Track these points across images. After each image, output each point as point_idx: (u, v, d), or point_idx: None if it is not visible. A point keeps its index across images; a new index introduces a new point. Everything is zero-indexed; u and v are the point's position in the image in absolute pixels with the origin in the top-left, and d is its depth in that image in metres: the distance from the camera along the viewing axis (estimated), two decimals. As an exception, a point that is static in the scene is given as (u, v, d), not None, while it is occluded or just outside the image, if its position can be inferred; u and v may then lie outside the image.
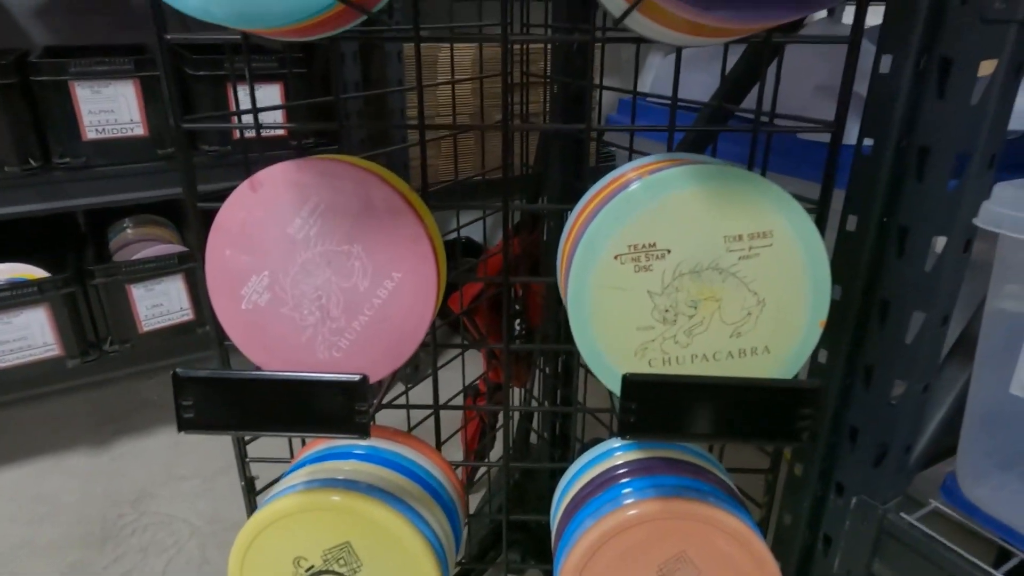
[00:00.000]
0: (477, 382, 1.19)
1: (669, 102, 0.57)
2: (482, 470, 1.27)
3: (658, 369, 0.46)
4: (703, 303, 0.45)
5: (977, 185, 0.48)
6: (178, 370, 0.40)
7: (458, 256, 1.22)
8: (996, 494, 0.57)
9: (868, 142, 0.53)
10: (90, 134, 1.19)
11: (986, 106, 0.46)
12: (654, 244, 0.43)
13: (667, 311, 0.45)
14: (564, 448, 1.11)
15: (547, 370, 1.05)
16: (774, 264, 0.43)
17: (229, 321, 0.49)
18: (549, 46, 0.90)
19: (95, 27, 1.49)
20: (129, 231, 1.48)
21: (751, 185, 0.42)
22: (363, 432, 0.40)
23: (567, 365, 1.01)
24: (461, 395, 1.12)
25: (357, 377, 0.40)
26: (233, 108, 1.24)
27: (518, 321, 1.07)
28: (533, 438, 1.19)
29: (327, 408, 0.40)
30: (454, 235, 0.97)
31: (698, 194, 0.42)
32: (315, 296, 0.47)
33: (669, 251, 0.43)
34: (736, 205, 0.42)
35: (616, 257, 0.44)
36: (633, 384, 0.42)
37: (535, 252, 1.04)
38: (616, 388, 0.47)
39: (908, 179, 0.51)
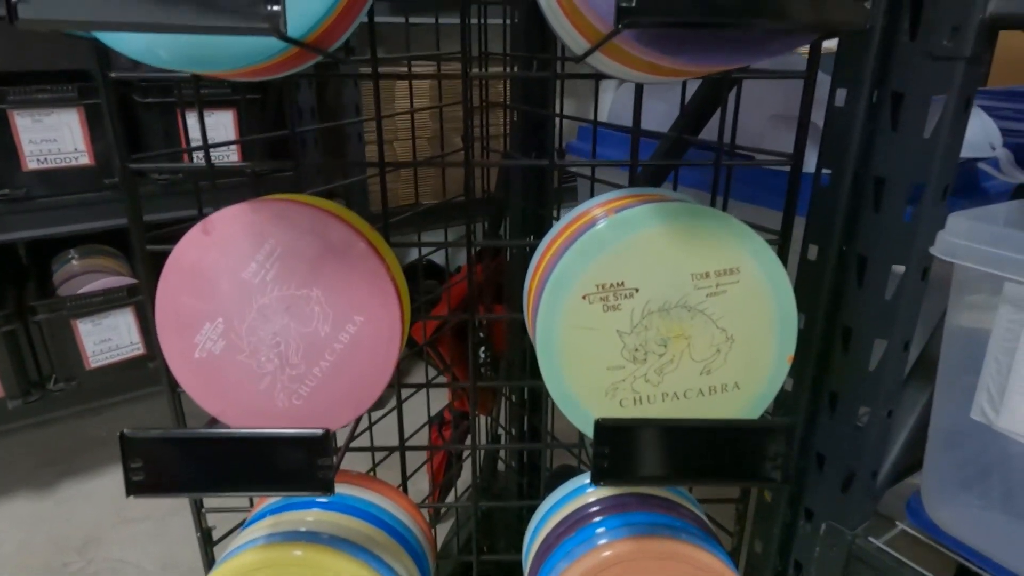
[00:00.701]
0: (443, 411, 1.17)
1: (623, 129, 0.57)
2: (449, 499, 1.25)
3: (629, 409, 0.46)
4: (672, 341, 0.45)
5: (932, 215, 0.49)
6: (126, 430, 0.37)
7: (420, 280, 1.21)
8: (959, 514, 0.58)
9: (826, 172, 0.53)
10: (31, 164, 1.14)
11: (938, 139, 0.47)
12: (622, 283, 0.43)
13: (637, 350, 0.45)
14: (532, 475, 1.10)
15: (513, 398, 1.04)
16: (742, 300, 0.43)
17: (182, 369, 0.46)
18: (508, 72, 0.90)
19: (36, 52, 1.43)
20: (75, 262, 1.41)
21: (717, 222, 0.42)
22: (327, 488, 0.39)
23: (533, 393, 1.00)
24: (427, 426, 1.10)
25: (319, 432, 0.38)
26: (183, 136, 1.21)
27: (483, 348, 1.06)
28: (500, 464, 1.18)
29: (288, 464, 0.38)
30: (416, 257, 0.95)
31: (665, 232, 0.42)
32: (273, 343, 0.45)
33: (637, 290, 0.43)
34: (703, 242, 0.42)
35: (584, 297, 0.43)
36: (606, 429, 0.41)
37: (499, 278, 1.03)
38: (586, 429, 0.46)
39: (865, 209, 0.52)
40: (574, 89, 2.08)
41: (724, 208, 0.57)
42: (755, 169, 0.75)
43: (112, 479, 1.39)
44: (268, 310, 0.45)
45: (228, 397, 0.46)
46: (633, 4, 0.29)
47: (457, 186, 1.67)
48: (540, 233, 0.95)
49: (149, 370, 1.32)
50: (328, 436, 0.39)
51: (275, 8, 0.29)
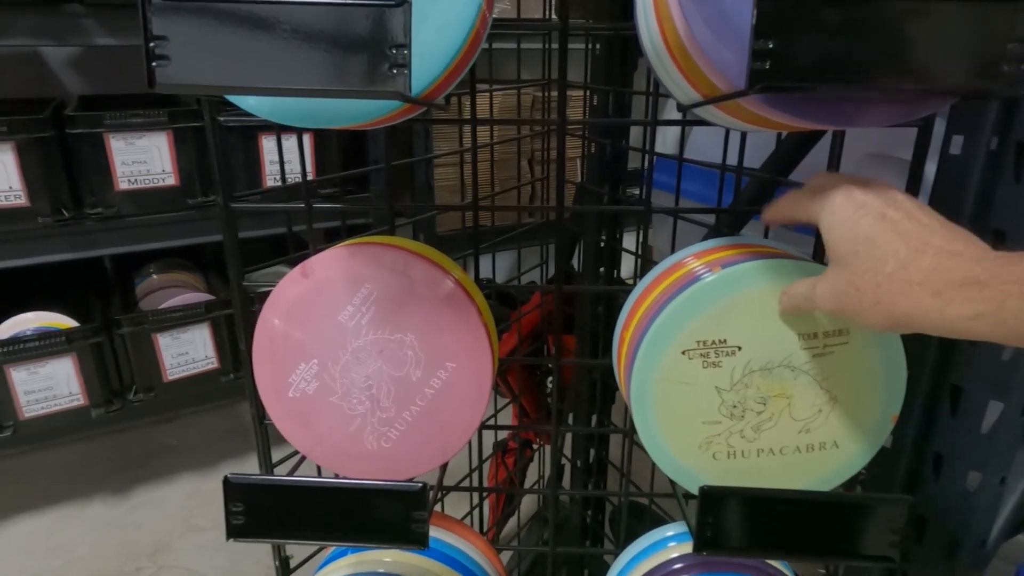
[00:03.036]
0: (507, 439, 1.17)
1: (711, 166, 0.56)
2: (510, 526, 1.23)
3: (722, 462, 0.44)
4: (773, 400, 0.43)
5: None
6: (230, 475, 0.38)
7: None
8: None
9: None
10: (122, 184, 1.19)
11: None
12: (724, 340, 0.41)
13: (735, 407, 0.43)
14: (597, 510, 1.08)
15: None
16: (848, 362, 0.41)
17: (275, 408, 0.47)
18: (588, 100, 0.89)
19: (130, 76, 1.51)
20: (155, 277, 1.48)
21: (828, 280, 0.40)
22: (422, 543, 0.38)
23: (601, 422, 0.98)
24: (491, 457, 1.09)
25: (417, 487, 0.38)
26: (265, 159, 1.25)
27: (549, 378, 1.05)
28: (563, 495, 1.16)
29: (384, 517, 0.38)
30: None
31: (772, 291, 0.40)
32: (365, 385, 0.46)
33: (740, 348, 0.41)
34: (812, 301, 0.40)
35: (683, 352, 0.42)
36: (712, 498, 0.39)
37: (569, 307, 1.02)
38: (678, 478, 0.45)
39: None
40: (639, 109, 2.06)
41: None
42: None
43: (182, 487, 1.44)
44: (362, 353, 0.45)
45: (318, 437, 0.47)
46: (767, 66, 0.28)
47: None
48: (613, 263, 0.94)
49: (222, 384, 1.36)
50: (425, 491, 0.38)
51: (403, 72, 0.29)
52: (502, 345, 0.98)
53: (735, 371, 0.42)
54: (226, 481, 0.38)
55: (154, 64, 0.29)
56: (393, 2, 0.28)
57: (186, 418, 1.42)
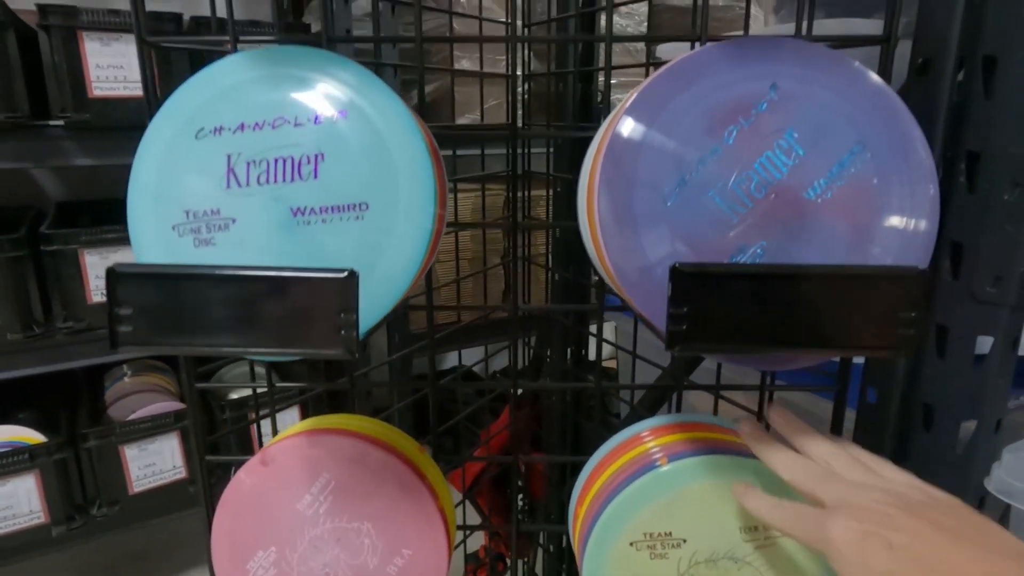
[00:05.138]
0: (478, 551, 1.15)
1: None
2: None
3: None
4: (719, 587, 0.44)
5: (986, 448, 0.49)
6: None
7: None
8: None
9: (872, 389, 0.53)
10: (96, 297, 1.20)
11: (988, 372, 0.47)
12: (669, 533, 0.43)
13: (683, 595, 0.44)
14: (570, 629, 1.06)
15: (551, 548, 1.02)
16: (788, 551, 0.43)
17: (232, 593, 0.47)
18: (552, 186, 0.93)
19: (107, 183, 1.54)
20: (127, 380, 1.46)
21: (767, 479, 0.42)
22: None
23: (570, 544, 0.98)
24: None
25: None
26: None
27: (520, 495, 1.05)
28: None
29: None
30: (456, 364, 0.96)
31: (715, 487, 0.42)
32: (323, 573, 0.46)
33: (685, 540, 0.43)
34: (751, 496, 0.42)
35: (631, 544, 0.43)
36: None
37: (537, 426, 1.04)
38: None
39: (915, 431, 0.52)
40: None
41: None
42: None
43: (145, 600, 1.38)
44: (320, 541, 0.46)
45: (275, 622, 0.47)
46: (684, 328, 0.31)
47: (495, 302, 1.69)
48: (579, 344, 0.94)
49: (190, 493, 1.33)
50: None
51: (350, 334, 0.31)
52: (471, 467, 0.99)
53: (681, 562, 0.43)
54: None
55: (119, 328, 0.31)
56: (342, 274, 0.31)
57: (152, 527, 1.38)
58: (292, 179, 0.35)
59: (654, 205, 0.34)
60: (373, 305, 0.36)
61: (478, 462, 0.99)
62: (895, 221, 0.34)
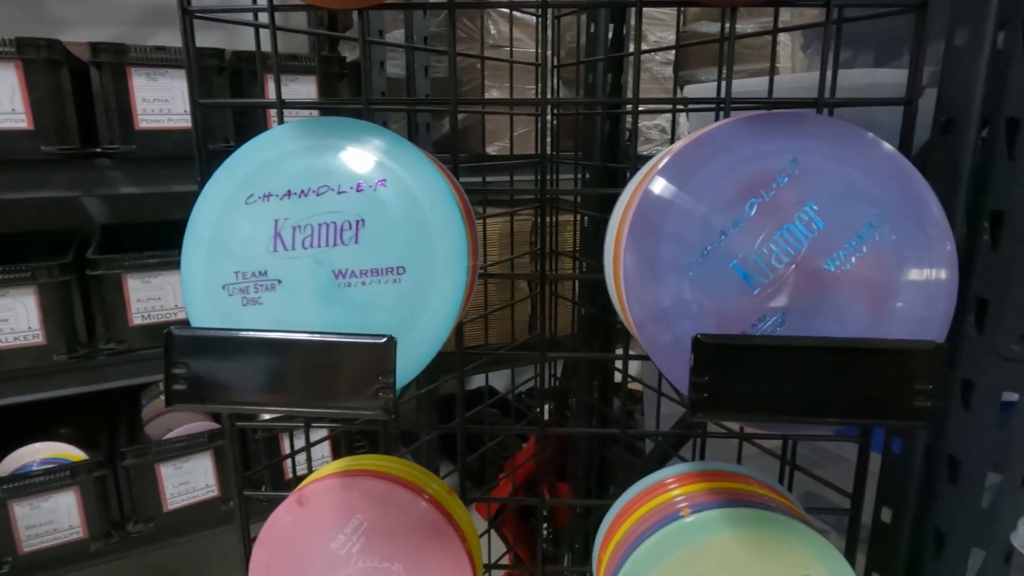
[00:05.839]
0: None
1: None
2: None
3: None
4: (741, 638, 0.45)
5: (1012, 502, 0.49)
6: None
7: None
8: None
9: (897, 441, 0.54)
10: (136, 320, 1.24)
11: (1010, 427, 0.48)
12: (691, 584, 0.44)
13: (705, 644, 0.45)
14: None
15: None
16: (812, 606, 0.44)
17: (267, 627, 0.49)
18: (580, 223, 0.94)
19: (146, 209, 1.60)
20: (163, 398, 1.51)
21: (788, 530, 0.43)
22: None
23: None
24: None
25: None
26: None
27: (545, 525, 1.06)
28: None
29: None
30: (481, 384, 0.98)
31: (736, 538, 0.43)
32: (354, 611, 0.48)
33: (706, 591, 0.44)
34: (773, 549, 0.43)
35: (654, 593, 0.44)
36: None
37: (562, 456, 1.05)
38: None
39: (940, 484, 0.52)
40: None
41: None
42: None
43: (176, 616, 1.42)
44: (352, 580, 0.48)
45: (308, 657, 0.49)
46: (705, 396, 0.32)
47: (523, 327, 1.71)
48: (606, 375, 0.95)
49: (222, 512, 1.37)
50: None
51: (388, 394, 0.33)
52: (497, 494, 1.00)
53: (702, 613, 0.44)
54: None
55: (174, 387, 0.33)
56: (381, 340, 0.33)
57: (183, 544, 1.42)
58: (335, 244, 0.37)
59: (678, 272, 0.35)
60: (410, 361, 0.38)
61: (502, 489, 1.00)
62: (915, 276, 0.35)
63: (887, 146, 0.36)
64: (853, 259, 0.34)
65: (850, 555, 0.54)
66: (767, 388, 0.32)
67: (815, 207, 0.35)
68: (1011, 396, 0.48)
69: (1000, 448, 0.48)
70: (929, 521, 0.53)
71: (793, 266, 0.34)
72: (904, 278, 0.35)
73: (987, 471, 0.49)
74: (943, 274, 0.36)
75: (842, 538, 0.55)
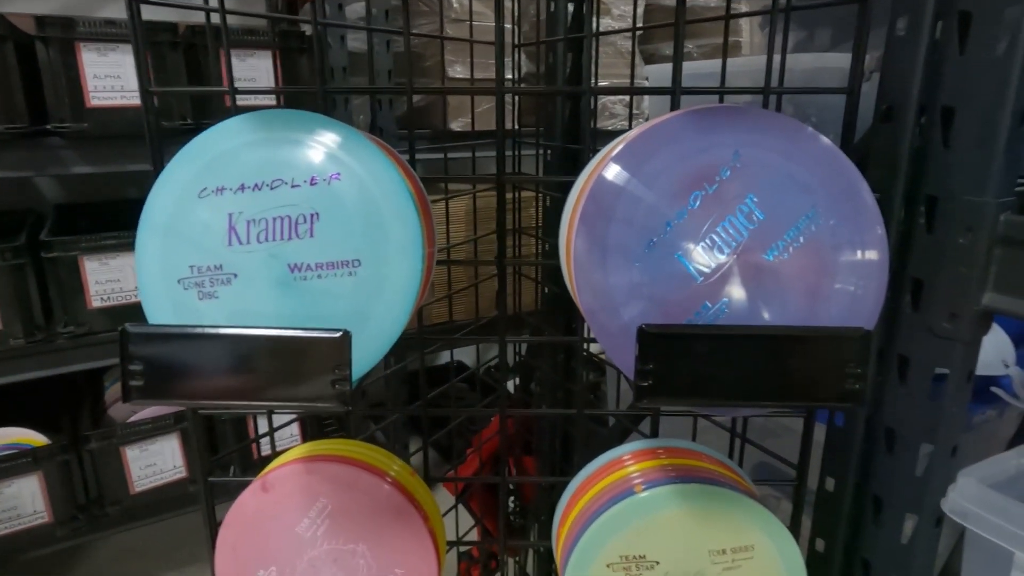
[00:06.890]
0: (471, 549, 1.19)
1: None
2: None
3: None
4: (690, 606, 0.47)
5: (943, 471, 0.52)
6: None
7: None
8: None
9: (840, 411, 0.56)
10: (96, 302, 1.22)
11: (942, 401, 0.50)
12: (643, 556, 0.46)
13: (657, 612, 0.47)
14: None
15: (541, 550, 1.06)
16: (754, 573, 0.46)
17: (235, 609, 0.50)
18: (542, 201, 0.95)
19: (108, 182, 1.56)
20: (125, 381, 1.49)
21: (734, 504, 0.45)
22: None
23: (561, 545, 1.01)
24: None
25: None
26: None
27: (512, 498, 1.08)
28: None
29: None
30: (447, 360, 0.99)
31: (685, 512, 0.45)
32: (320, 591, 0.49)
33: (658, 562, 0.46)
34: (720, 522, 0.45)
35: (608, 565, 0.46)
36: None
37: (529, 430, 1.07)
38: None
39: (879, 454, 0.55)
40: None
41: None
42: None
43: (147, 595, 1.42)
44: (317, 562, 0.49)
45: (276, 636, 0.50)
46: (650, 383, 0.34)
47: (488, 304, 1.72)
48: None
49: (190, 492, 1.37)
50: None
51: (344, 386, 0.34)
52: (463, 469, 1.02)
53: (655, 582, 0.46)
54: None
55: (131, 383, 0.33)
56: (336, 334, 0.33)
57: (151, 525, 1.42)
58: (290, 237, 0.38)
59: (627, 261, 0.36)
60: (368, 351, 0.38)
61: (470, 464, 1.02)
62: (849, 259, 0.37)
63: (824, 139, 0.37)
64: (791, 249, 0.36)
65: (796, 522, 0.57)
66: (709, 375, 0.33)
67: (755, 199, 0.36)
68: (943, 370, 0.51)
69: (933, 419, 0.51)
70: (868, 489, 0.56)
71: (735, 256, 0.36)
72: (839, 261, 0.37)
73: (921, 441, 0.52)
74: (874, 255, 0.37)
75: (792, 506, 0.58)
